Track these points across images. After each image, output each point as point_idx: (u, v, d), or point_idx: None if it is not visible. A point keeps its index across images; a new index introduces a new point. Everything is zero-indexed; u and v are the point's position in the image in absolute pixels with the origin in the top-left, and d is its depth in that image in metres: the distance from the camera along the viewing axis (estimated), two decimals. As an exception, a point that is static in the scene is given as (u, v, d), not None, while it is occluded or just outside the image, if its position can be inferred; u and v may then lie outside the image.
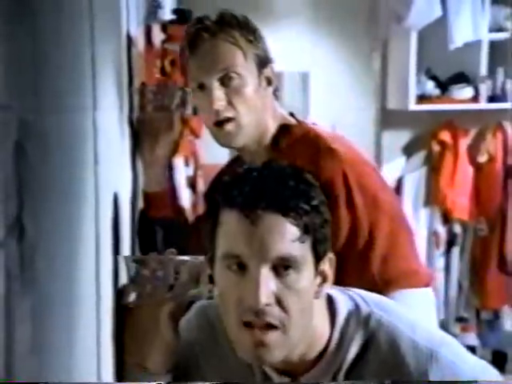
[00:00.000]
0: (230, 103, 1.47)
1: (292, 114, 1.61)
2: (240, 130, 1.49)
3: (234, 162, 1.65)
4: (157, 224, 1.63)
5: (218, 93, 1.46)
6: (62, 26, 0.75)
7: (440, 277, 3.88)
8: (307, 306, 1.02)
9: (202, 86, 1.49)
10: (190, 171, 3.39)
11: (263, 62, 1.51)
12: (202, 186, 3.38)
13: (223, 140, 1.52)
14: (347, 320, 1.08)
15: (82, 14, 0.89)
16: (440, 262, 3.91)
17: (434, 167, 3.92)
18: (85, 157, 0.88)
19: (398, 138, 4.04)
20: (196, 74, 1.49)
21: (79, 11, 0.87)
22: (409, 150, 4.04)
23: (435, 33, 3.68)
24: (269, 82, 1.53)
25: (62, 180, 0.73)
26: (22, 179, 0.56)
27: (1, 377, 0.52)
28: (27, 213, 0.57)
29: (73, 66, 0.82)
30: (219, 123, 1.48)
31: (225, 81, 1.47)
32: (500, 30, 3.75)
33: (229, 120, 1.48)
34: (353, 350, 1.06)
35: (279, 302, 0.98)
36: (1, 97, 0.53)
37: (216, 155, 2.52)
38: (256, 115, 1.50)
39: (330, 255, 1.05)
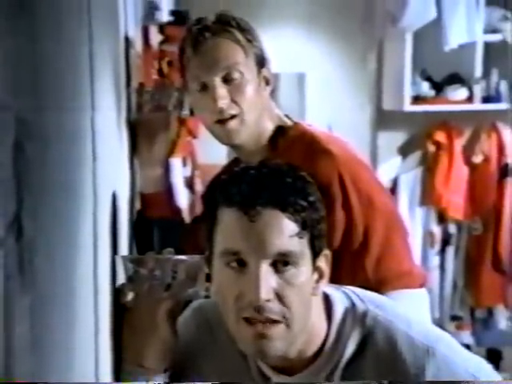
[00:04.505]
0: (233, 101, 1.47)
1: (287, 116, 1.61)
2: (243, 127, 1.49)
3: (232, 164, 1.65)
4: (154, 225, 1.64)
5: (221, 91, 1.46)
6: (61, 27, 0.76)
7: (435, 275, 3.89)
8: (306, 301, 1.03)
9: (203, 85, 1.49)
10: (188, 171, 3.39)
11: (261, 61, 1.52)
12: (199, 186, 3.38)
13: (225, 137, 1.51)
14: (344, 318, 1.08)
15: (81, 15, 0.90)
16: (435, 261, 3.93)
17: (429, 167, 3.93)
18: (83, 156, 0.88)
19: (393, 139, 4.05)
20: (197, 73, 1.49)
21: (77, 12, 0.88)
22: (404, 151, 4.05)
23: (430, 34, 3.69)
24: (267, 82, 1.54)
25: (60, 179, 0.73)
26: (20, 178, 0.57)
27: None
28: (26, 212, 0.58)
29: (71, 67, 0.82)
30: (222, 121, 1.48)
31: (227, 79, 1.47)
32: (494, 31, 3.77)
33: (232, 117, 1.48)
34: (350, 348, 1.07)
35: (279, 297, 0.99)
36: None
37: (213, 155, 2.53)
38: (256, 114, 1.50)
39: (326, 252, 1.06)
